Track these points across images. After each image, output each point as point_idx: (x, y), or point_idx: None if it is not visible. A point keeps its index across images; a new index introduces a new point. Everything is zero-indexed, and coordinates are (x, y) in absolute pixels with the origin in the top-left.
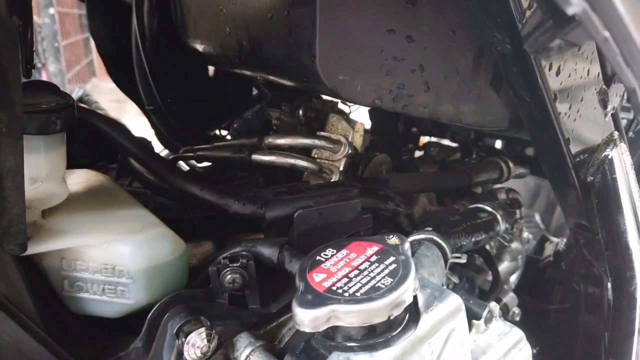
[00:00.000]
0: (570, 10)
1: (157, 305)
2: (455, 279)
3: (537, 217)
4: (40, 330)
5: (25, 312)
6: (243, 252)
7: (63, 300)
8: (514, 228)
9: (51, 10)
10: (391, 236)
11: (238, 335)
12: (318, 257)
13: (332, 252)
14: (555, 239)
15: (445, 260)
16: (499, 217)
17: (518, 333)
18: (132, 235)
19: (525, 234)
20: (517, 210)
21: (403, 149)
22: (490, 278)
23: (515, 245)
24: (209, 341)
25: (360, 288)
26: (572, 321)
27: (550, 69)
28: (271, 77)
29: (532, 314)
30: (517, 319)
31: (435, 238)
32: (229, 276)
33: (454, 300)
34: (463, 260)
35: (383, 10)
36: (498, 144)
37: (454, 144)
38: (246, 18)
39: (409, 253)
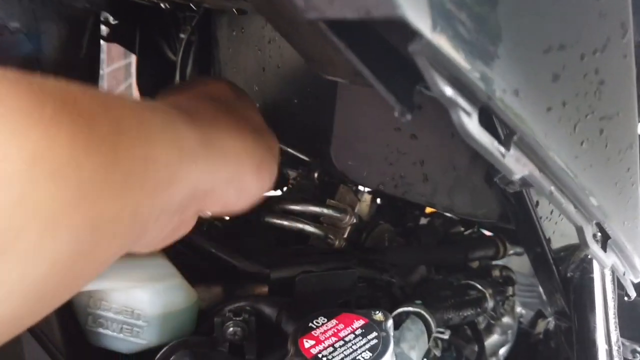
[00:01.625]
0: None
1: (165, 348)
2: (437, 352)
3: (541, 288)
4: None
5: (53, 341)
6: (247, 307)
7: (85, 334)
8: (505, 305)
9: None
10: (377, 312)
11: None
12: (310, 324)
13: (324, 320)
14: (548, 317)
15: (429, 333)
16: (487, 295)
17: None
18: (152, 283)
19: (519, 309)
20: (509, 288)
21: (409, 216)
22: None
23: (506, 319)
24: None
25: (342, 358)
26: None
27: None
28: (290, 150)
29: None
30: None
31: (421, 312)
32: (231, 328)
33: None
34: (446, 336)
35: (392, 111)
36: None
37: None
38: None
39: (391, 331)
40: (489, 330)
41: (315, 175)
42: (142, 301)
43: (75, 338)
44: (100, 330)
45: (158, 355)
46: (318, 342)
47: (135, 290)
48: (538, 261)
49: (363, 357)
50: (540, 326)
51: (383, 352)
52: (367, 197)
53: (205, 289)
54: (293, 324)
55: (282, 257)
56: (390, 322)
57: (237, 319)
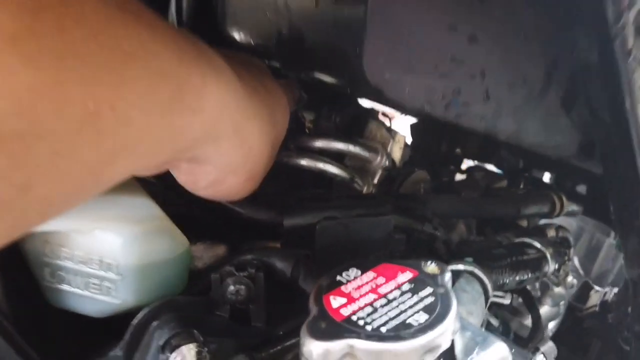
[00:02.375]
0: None
1: (145, 310)
2: (494, 322)
3: (576, 262)
4: (7, 321)
5: None
6: (253, 261)
7: (42, 291)
8: (561, 270)
9: None
10: (429, 263)
11: (235, 356)
12: (339, 277)
13: (356, 273)
14: (600, 288)
15: (487, 298)
16: (548, 256)
17: None
18: (127, 224)
19: (570, 278)
20: (567, 251)
21: (444, 170)
22: (527, 322)
23: (559, 289)
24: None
25: (386, 322)
26: None
27: None
28: (308, 72)
29: None
30: None
31: (476, 271)
32: (232, 286)
33: (500, 349)
34: (506, 301)
35: (446, 2)
36: (546, 177)
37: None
38: (289, 4)
39: (450, 286)
40: (540, 300)
41: (337, 118)
42: (114, 247)
43: (28, 297)
44: (61, 286)
45: (134, 319)
46: (351, 300)
47: (105, 232)
48: (623, 207)
49: (416, 321)
50: (594, 299)
51: (444, 313)
52: (401, 138)
53: (204, 247)
54: (314, 280)
55: (298, 201)
56: (448, 276)
57: (241, 274)
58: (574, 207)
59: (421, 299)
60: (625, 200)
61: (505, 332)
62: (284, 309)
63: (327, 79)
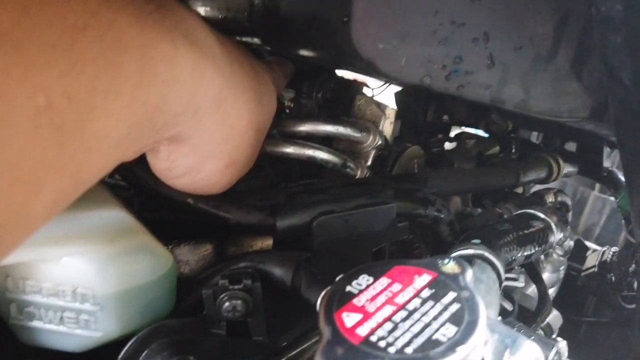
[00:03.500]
0: None
1: (132, 340)
2: (508, 306)
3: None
4: None
5: None
6: (248, 269)
7: (11, 329)
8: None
9: None
10: (447, 261)
11: None
12: (348, 288)
13: (368, 280)
14: (598, 247)
15: (500, 282)
16: (553, 225)
17: None
18: (100, 246)
19: (568, 242)
20: (567, 215)
21: (433, 140)
22: (529, 291)
23: (557, 254)
24: None
25: (411, 340)
26: (607, 335)
27: None
28: (288, 47)
29: (563, 325)
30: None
31: (487, 255)
32: (227, 303)
33: (532, 350)
34: (521, 284)
35: None
36: (533, 137)
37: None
38: None
39: (472, 287)
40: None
41: (319, 94)
42: (87, 275)
43: None
44: (32, 323)
45: (122, 352)
46: (366, 315)
47: (75, 259)
48: (637, 170)
49: (445, 335)
50: (592, 259)
51: (473, 322)
52: (391, 112)
53: (188, 249)
54: (319, 289)
55: (289, 196)
56: (469, 274)
57: (236, 287)
58: (569, 169)
59: (445, 307)
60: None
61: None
62: (284, 314)
63: (311, 53)
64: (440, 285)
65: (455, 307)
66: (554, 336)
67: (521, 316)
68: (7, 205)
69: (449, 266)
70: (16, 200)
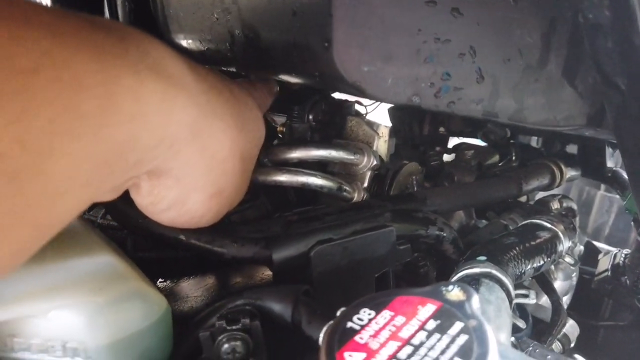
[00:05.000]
0: None
1: None
2: (521, 324)
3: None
4: None
5: None
6: (246, 307)
7: None
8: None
9: None
10: (451, 288)
11: None
12: (350, 324)
13: (369, 314)
14: (610, 248)
15: (510, 301)
16: (560, 234)
17: None
18: (89, 297)
19: (578, 248)
20: (574, 221)
21: (430, 153)
22: (542, 302)
23: (568, 260)
24: None
25: None
26: (626, 338)
27: None
28: (271, 74)
29: (580, 330)
30: None
31: (494, 272)
32: (226, 345)
33: None
34: (532, 301)
35: None
36: (533, 141)
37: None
38: None
39: (480, 314)
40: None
41: (310, 116)
42: (76, 328)
43: None
44: None
45: None
46: (370, 354)
47: (63, 311)
48: None
49: None
50: (604, 263)
51: (484, 354)
52: (385, 131)
53: (189, 284)
54: (319, 324)
55: (284, 226)
56: (476, 300)
57: (234, 327)
58: (572, 173)
59: (452, 340)
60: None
61: (524, 317)
62: (286, 351)
63: (295, 79)
64: (445, 315)
65: (463, 338)
66: (572, 346)
67: (536, 328)
68: None
69: (454, 293)
70: None
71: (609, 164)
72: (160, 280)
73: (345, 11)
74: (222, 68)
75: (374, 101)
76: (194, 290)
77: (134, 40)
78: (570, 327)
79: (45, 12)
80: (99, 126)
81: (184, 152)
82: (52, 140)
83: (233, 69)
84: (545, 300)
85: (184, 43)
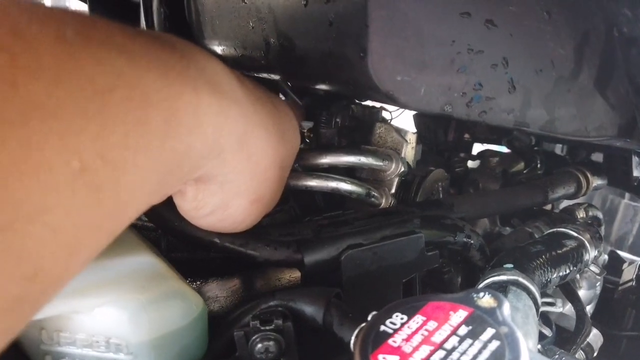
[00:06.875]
0: None
1: None
2: (547, 332)
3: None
4: None
5: None
6: (278, 308)
7: None
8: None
9: None
10: (481, 294)
11: None
12: (382, 328)
13: (402, 318)
14: (635, 258)
15: (537, 308)
16: (587, 243)
17: None
18: (131, 294)
19: (603, 257)
20: (600, 230)
21: (455, 159)
22: (565, 310)
23: (593, 269)
24: None
25: None
26: None
27: None
28: (305, 82)
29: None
30: None
31: (521, 280)
32: (260, 344)
33: None
34: (558, 309)
35: None
36: (557, 148)
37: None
38: (273, 8)
39: (510, 320)
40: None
41: (338, 121)
42: (120, 324)
43: None
44: None
45: None
46: (403, 357)
47: (108, 309)
48: None
49: None
50: (629, 273)
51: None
52: (412, 137)
53: (217, 285)
54: (352, 327)
55: (316, 230)
56: (507, 307)
57: (267, 328)
58: (598, 182)
59: (484, 345)
60: None
61: (547, 325)
62: (317, 352)
63: (329, 88)
64: (477, 322)
65: (495, 344)
66: (594, 355)
67: (560, 337)
68: (50, 270)
69: (485, 300)
70: (58, 264)
71: (636, 173)
72: (188, 280)
73: (381, 22)
74: (256, 74)
75: (408, 110)
76: (222, 290)
77: (193, 56)
78: (594, 337)
79: (118, 32)
80: (163, 139)
81: (231, 159)
82: (126, 153)
83: (266, 75)
84: (568, 308)
85: (218, 49)
